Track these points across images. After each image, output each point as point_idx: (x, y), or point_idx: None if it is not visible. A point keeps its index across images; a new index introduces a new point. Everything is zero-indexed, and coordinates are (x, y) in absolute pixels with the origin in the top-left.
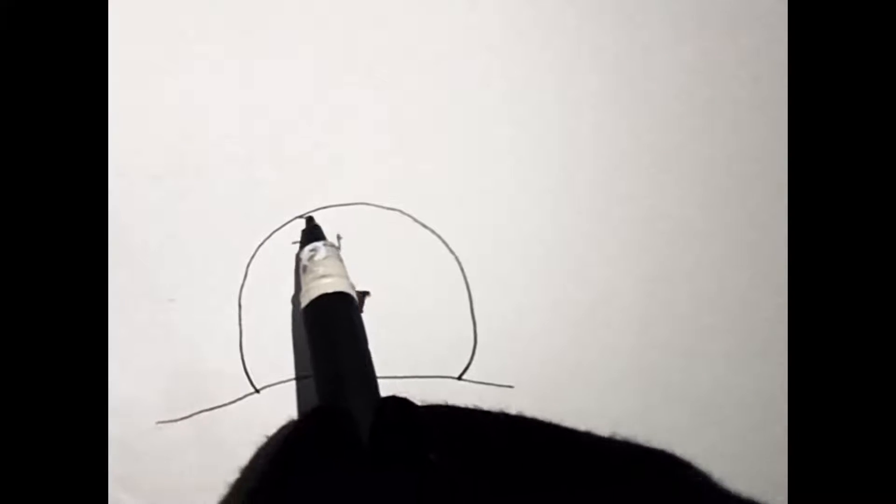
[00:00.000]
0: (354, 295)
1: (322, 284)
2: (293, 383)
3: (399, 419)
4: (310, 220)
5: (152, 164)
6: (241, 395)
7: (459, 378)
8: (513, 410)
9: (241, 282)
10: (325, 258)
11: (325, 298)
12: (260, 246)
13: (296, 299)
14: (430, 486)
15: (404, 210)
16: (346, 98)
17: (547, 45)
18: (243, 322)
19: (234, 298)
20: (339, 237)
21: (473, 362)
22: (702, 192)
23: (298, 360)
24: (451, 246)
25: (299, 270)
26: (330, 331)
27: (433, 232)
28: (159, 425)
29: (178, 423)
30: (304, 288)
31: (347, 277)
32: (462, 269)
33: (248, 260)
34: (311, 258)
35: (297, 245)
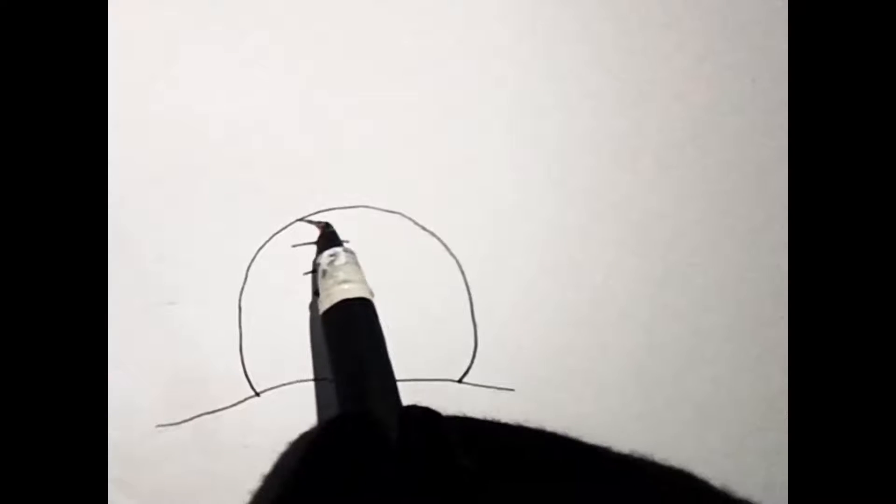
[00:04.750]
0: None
1: (343, 290)
2: (293, 387)
3: (426, 426)
4: (327, 224)
5: (152, 167)
6: (241, 399)
7: (460, 381)
8: (514, 413)
9: (241, 284)
10: (346, 263)
11: (346, 303)
12: (260, 249)
13: (314, 304)
14: (464, 492)
15: (405, 213)
16: (345, 99)
17: (547, 47)
18: (243, 325)
19: (234, 301)
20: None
21: (474, 365)
22: (702, 193)
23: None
24: (451, 249)
25: (318, 275)
26: (352, 336)
27: (434, 235)
28: (159, 428)
29: (178, 426)
30: (323, 293)
31: (367, 283)
32: (462, 272)
33: (248, 263)
34: (331, 263)
35: (297, 248)
